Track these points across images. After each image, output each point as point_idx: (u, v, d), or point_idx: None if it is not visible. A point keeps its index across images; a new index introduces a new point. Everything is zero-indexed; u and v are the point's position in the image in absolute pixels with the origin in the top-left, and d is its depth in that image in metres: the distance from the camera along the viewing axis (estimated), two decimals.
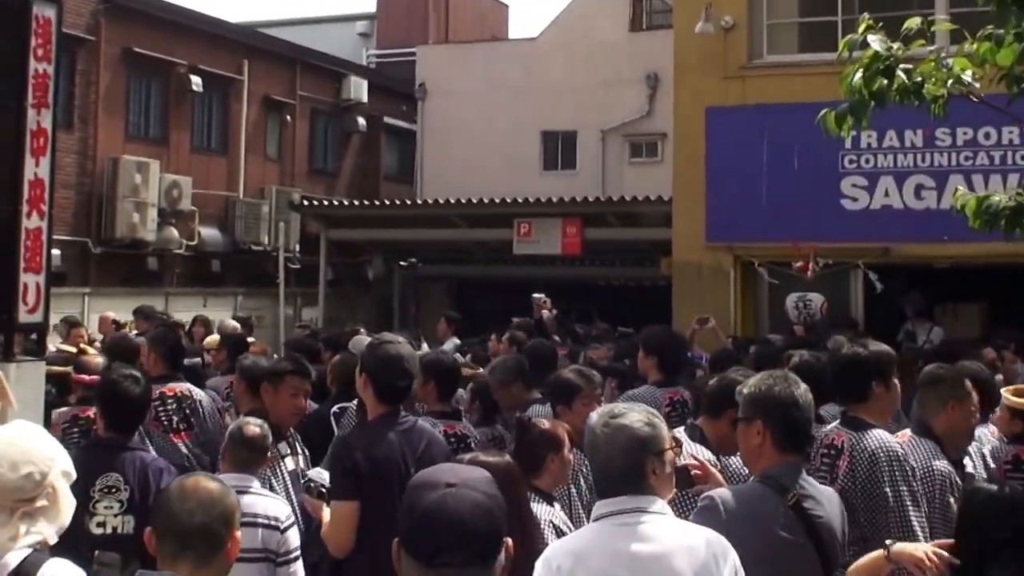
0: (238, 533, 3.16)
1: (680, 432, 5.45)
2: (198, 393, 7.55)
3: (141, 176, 19.16)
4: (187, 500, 3.09)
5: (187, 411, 7.28)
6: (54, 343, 9.64)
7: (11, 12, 5.87)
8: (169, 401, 7.30)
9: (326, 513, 4.88)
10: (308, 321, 18.26)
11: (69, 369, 7.06)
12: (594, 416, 3.59)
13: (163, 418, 7.23)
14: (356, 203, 20.78)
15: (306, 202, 20.91)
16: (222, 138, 22.21)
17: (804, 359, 6.87)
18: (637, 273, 20.36)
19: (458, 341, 13.05)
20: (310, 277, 21.00)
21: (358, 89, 25.15)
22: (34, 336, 6.07)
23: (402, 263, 21.89)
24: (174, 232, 20.00)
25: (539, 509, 4.75)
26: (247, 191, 22.24)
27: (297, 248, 22.11)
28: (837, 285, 13.29)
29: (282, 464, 6.06)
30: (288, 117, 23.71)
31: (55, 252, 7.75)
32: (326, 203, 20.95)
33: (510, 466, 4.38)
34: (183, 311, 17.04)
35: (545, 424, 5.21)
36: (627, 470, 3.42)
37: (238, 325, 12.68)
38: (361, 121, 25.44)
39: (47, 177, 5.88)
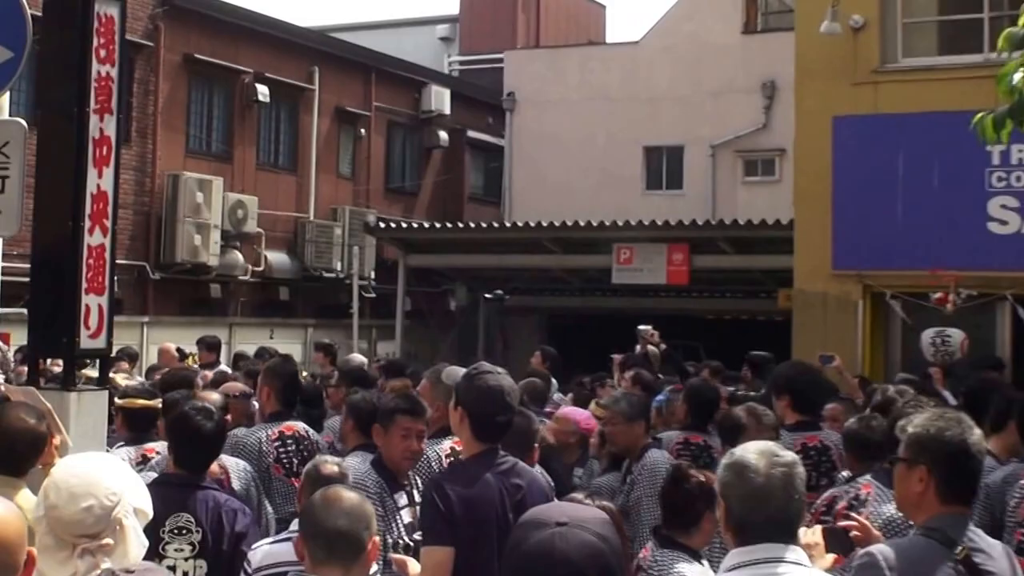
0: (376, 538, 3.75)
1: (868, 477, 5.38)
2: (314, 434, 7.56)
3: (203, 195, 19.48)
4: (331, 507, 3.69)
5: (305, 454, 7.14)
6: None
7: (72, 10, 5.92)
8: (289, 442, 7.26)
9: (412, 566, 4.87)
10: (385, 356, 18.33)
11: (154, 403, 7.05)
12: (751, 456, 3.47)
13: (284, 460, 7.18)
14: (437, 226, 20.85)
15: (382, 224, 21.04)
16: (291, 153, 22.53)
17: (888, 395, 6.88)
18: (751, 306, 20.24)
19: (552, 380, 12.97)
20: (386, 307, 21.13)
21: (439, 99, 25.34)
22: (94, 362, 6.09)
23: (488, 294, 21.92)
24: (239, 256, 20.32)
25: (689, 570, 4.76)
26: (318, 212, 22.53)
27: (372, 275, 22.29)
28: (981, 320, 13.08)
29: (399, 517, 5.87)
30: (362, 130, 24.00)
31: None
32: (404, 226, 21.06)
33: (611, 513, 4.35)
34: (248, 343, 17.12)
35: (702, 476, 5.12)
36: (797, 515, 3.44)
37: (365, 360, 12.60)
38: (443, 135, 25.63)
39: (111, 190, 5.85)
